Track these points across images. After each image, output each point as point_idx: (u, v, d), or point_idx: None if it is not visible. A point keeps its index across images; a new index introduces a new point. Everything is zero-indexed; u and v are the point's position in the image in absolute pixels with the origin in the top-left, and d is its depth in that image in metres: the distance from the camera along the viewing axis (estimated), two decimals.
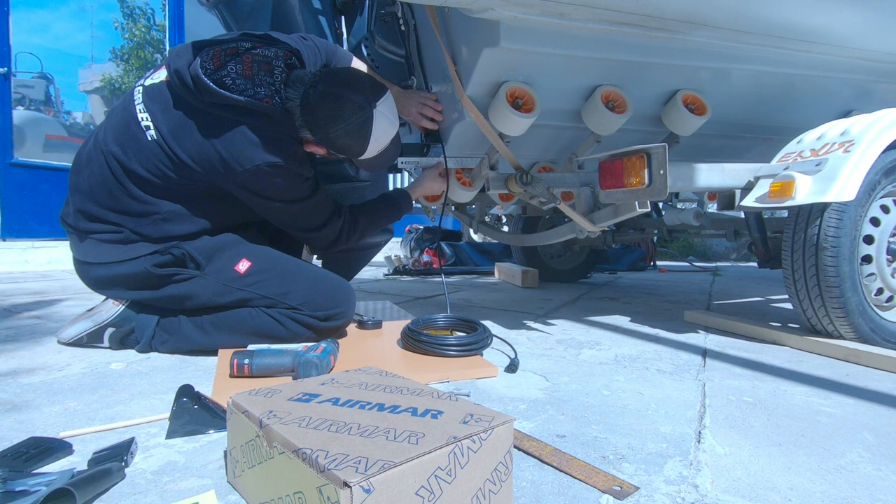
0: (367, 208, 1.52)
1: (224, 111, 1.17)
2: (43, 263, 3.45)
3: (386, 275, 3.53)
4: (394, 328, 1.52)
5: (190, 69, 1.16)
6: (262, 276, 1.27)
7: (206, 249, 1.26)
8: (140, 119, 1.20)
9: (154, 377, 1.11)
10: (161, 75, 1.23)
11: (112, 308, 1.29)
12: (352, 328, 1.53)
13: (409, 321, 1.39)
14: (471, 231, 4.49)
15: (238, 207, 1.29)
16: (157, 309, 1.30)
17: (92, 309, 1.32)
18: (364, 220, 1.48)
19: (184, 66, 1.17)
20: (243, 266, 1.26)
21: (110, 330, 1.29)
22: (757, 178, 1.52)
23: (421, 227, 4.11)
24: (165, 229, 1.24)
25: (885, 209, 1.51)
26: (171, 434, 0.81)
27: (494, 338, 1.38)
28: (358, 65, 1.54)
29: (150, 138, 1.19)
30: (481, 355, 1.26)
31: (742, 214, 1.83)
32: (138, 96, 1.23)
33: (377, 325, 1.54)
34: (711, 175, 1.48)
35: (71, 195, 1.29)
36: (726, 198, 1.64)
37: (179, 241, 1.25)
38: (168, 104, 1.19)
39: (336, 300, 1.33)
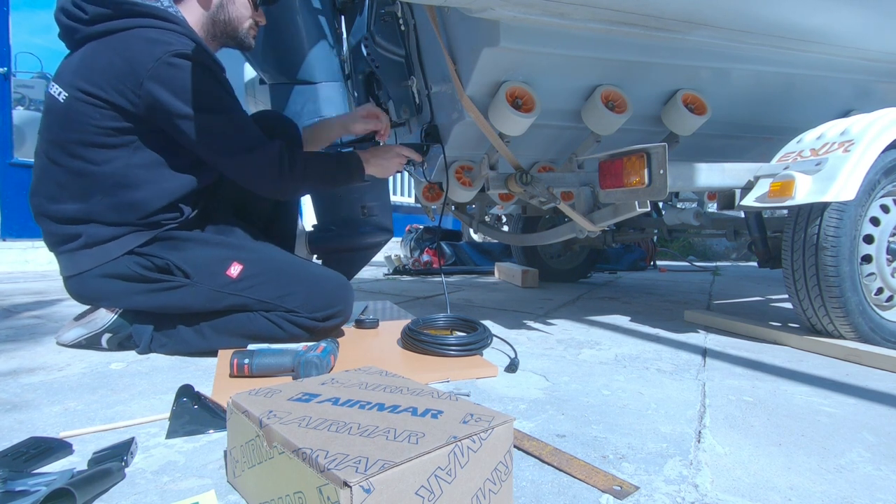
0: (314, 153, 1.43)
1: (114, 25, 1.17)
2: (43, 263, 3.45)
3: (386, 275, 3.53)
4: (393, 328, 1.52)
5: None
6: (257, 279, 1.25)
7: (192, 258, 1.23)
8: (54, 94, 1.20)
9: (154, 377, 1.11)
10: None
11: (106, 316, 1.27)
12: (351, 328, 1.53)
13: (408, 321, 1.39)
14: (471, 231, 4.49)
15: (179, 153, 1.24)
16: (153, 316, 1.28)
17: (84, 316, 1.30)
18: (310, 161, 1.35)
19: (62, 3, 1.20)
20: (235, 270, 1.24)
21: (107, 335, 1.28)
22: (757, 178, 1.52)
23: (421, 226, 4.11)
24: (120, 200, 1.19)
25: (885, 209, 1.51)
26: (171, 434, 0.81)
27: (494, 338, 1.38)
28: None
29: (62, 101, 1.18)
30: (481, 355, 1.26)
31: (742, 214, 1.83)
32: (53, 83, 1.24)
33: (375, 324, 1.54)
34: (711, 175, 1.48)
35: (32, 203, 1.26)
36: (726, 197, 1.64)
37: (153, 246, 1.22)
38: (69, 59, 1.21)
39: (334, 300, 1.31)
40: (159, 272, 1.23)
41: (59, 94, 1.19)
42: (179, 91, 1.16)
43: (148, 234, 1.23)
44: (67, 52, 1.26)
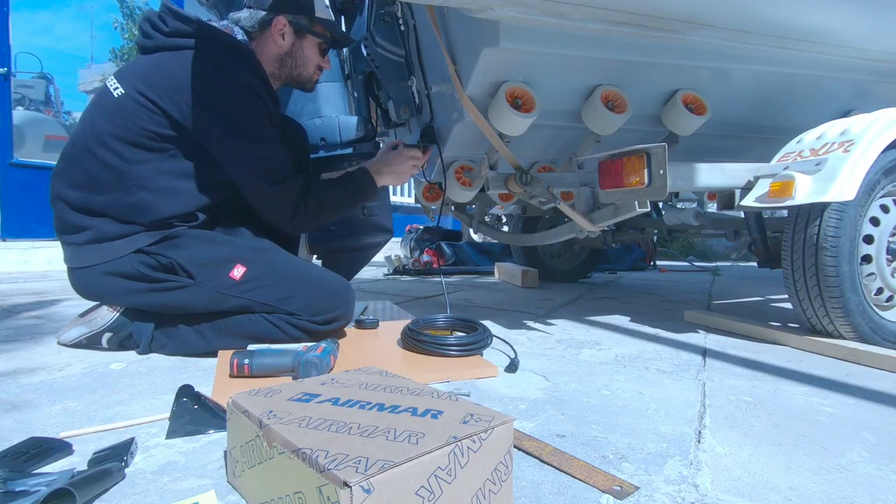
0: (327, 184, 1.43)
1: (188, 42, 1.25)
2: (43, 263, 3.45)
3: (386, 275, 3.53)
4: (393, 328, 1.52)
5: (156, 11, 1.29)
6: (259, 281, 1.25)
7: (196, 258, 1.23)
8: (110, 87, 1.25)
9: (154, 377, 1.11)
10: None
11: (107, 315, 1.28)
12: (351, 328, 1.53)
13: (409, 321, 1.39)
14: (471, 231, 4.49)
15: (208, 169, 1.27)
16: (154, 315, 1.28)
17: (87, 314, 1.31)
18: (324, 195, 1.36)
19: (149, 14, 1.30)
20: (238, 272, 1.24)
21: (108, 335, 1.28)
22: (757, 178, 1.52)
23: (421, 227, 4.11)
24: (137, 201, 1.21)
25: (885, 209, 1.51)
26: (171, 434, 0.81)
27: (495, 338, 1.37)
28: None
29: (116, 96, 1.23)
30: (481, 355, 1.26)
31: (742, 214, 1.83)
32: (112, 77, 1.29)
33: (375, 324, 1.54)
34: (711, 175, 1.48)
35: (52, 185, 1.28)
36: (726, 197, 1.64)
37: (159, 245, 1.22)
38: (137, 61, 1.29)
39: (335, 303, 1.31)
40: (164, 271, 1.23)
41: (114, 90, 1.24)
42: (225, 109, 1.22)
43: (158, 235, 1.24)
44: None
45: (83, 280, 1.26)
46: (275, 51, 1.39)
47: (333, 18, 1.46)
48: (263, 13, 1.35)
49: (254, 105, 1.25)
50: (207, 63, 1.23)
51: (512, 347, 1.32)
